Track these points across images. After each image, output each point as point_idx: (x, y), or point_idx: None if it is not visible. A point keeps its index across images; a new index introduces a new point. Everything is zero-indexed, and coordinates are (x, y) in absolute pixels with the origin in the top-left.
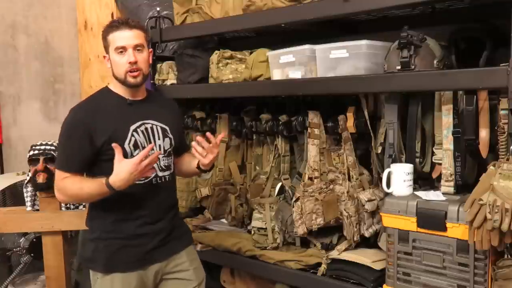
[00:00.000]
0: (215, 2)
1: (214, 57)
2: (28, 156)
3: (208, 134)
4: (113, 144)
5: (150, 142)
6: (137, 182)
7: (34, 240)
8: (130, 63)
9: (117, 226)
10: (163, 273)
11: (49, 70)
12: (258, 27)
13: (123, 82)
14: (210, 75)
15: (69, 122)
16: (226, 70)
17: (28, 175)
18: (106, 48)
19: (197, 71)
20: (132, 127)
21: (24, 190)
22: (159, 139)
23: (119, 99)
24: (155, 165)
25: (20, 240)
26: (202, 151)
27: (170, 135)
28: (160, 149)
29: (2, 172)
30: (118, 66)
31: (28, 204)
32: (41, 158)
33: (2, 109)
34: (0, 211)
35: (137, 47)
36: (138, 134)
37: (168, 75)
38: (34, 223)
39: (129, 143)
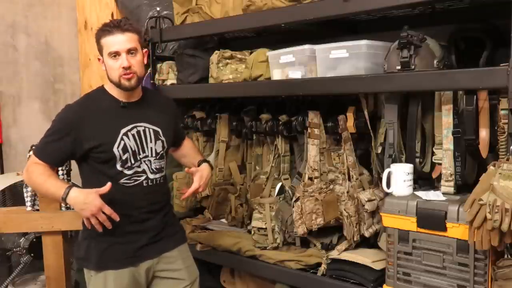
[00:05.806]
0: (215, 2)
1: (214, 57)
2: (28, 156)
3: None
4: (108, 184)
5: (142, 146)
6: (129, 183)
7: (34, 240)
8: (123, 68)
9: None
10: (154, 270)
11: (49, 70)
12: (258, 27)
13: (118, 85)
14: (210, 75)
15: (60, 118)
16: (226, 70)
17: None
18: (100, 51)
19: (197, 71)
20: (123, 131)
21: (24, 190)
22: (151, 142)
23: (112, 101)
24: (145, 168)
25: (20, 240)
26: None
27: (162, 138)
28: (152, 152)
29: (2, 172)
30: (112, 70)
31: (28, 204)
32: None
33: (2, 109)
34: (0, 211)
35: (130, 51)
36: (129, 138)
37: (168, 75)
38: (34, 223)
39: (117, 147)
